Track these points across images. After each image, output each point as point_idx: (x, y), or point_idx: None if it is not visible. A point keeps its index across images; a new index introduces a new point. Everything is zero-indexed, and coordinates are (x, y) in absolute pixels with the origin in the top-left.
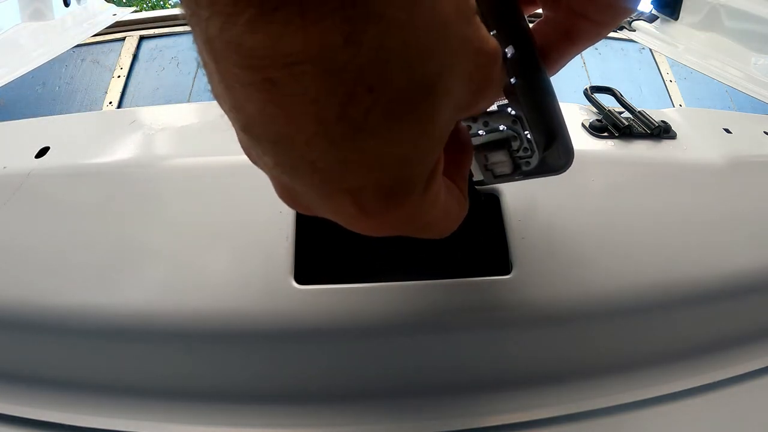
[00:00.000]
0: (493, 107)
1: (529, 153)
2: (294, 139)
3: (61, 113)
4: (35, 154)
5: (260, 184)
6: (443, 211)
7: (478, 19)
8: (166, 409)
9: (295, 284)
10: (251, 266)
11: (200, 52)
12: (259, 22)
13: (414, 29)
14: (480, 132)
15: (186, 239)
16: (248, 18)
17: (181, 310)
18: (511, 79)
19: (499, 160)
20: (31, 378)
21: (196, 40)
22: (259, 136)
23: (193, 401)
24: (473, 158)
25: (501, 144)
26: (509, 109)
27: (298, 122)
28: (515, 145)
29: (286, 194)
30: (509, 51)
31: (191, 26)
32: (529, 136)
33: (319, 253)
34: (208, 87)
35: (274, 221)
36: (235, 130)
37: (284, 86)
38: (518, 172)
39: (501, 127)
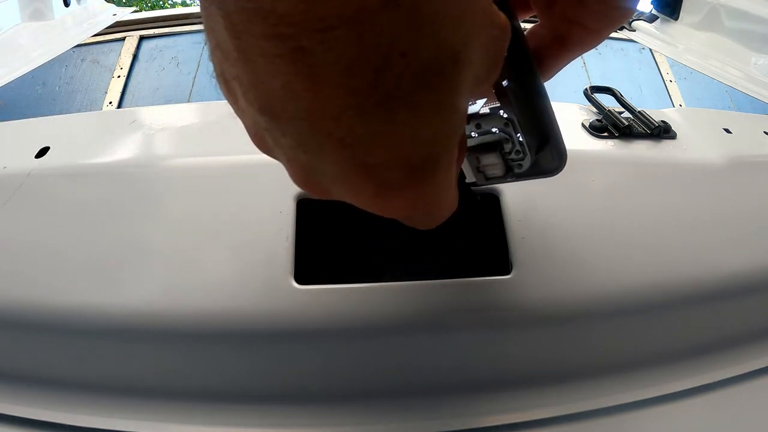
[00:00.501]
0: (486, 109)
1: (521, 156)
2: (322, 114)
3: (61, 113)
4: (35, 154)
5: (260, 184)
6: (451, 198)
7: None
8: (166, 409)
9: (295, 284)
10: (251, 266)
11: (212, 32)
12: None
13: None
14: (472, 134)
15: (186, 239)
16: None
17: (181, 310)
18: (504, 82)
19: (491, 162)
20: (31, 378)
21: (209, 19)
22: (281, 115)
23: (193, 401)
24: (465, 159)
25: (493, 146)
26: (501, 112)
27: (328, 95)
28: (507, 147)
29: (303, 177)
30: None
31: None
32: (521, 138)
33: (319, 253)
34: (213, 78)
35: (274, 221)
36: (248, 116)
37: (315, 55)
38: (510, 174)
39: (493, 130)
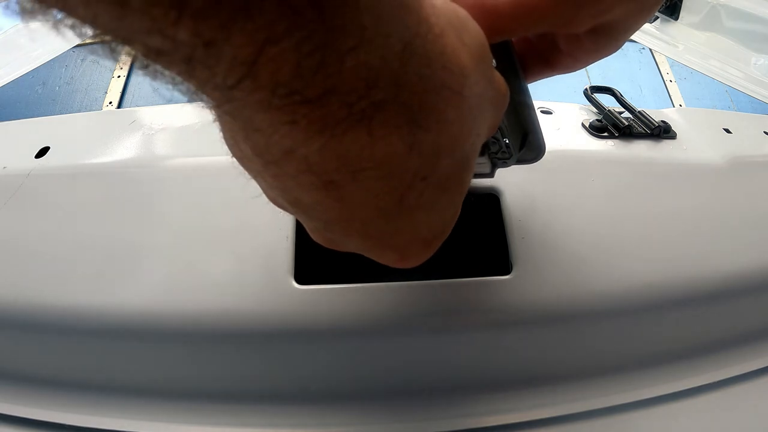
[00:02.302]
0: None
1: (507, 155)
2: (350, 221)
3: (61, 113)
4: (35, 154)
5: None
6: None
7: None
8: (166, 409)
9: (295, 284)
10: (251, 266)
11: (236, 142)
12: (330, 143)
13: (462, 124)
14: None
15: (186, 239)
16: (320, 145)
17: (181, 310)
18: None
19: (479, 161)
20: (31, 378)
21: (225, 128)
22: (308, 212)
23: (193, 401)
24: None
25: (481, 149)
26: None
27: (356, 211)
28: (494, 148)
29: (324, 241)
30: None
31: (231, 123)
32: (507, 141)
33: (319, 253)
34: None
35: (274, 221)
36: (269, 193)
37: (346, 187)
38: (495, 169)
39: None
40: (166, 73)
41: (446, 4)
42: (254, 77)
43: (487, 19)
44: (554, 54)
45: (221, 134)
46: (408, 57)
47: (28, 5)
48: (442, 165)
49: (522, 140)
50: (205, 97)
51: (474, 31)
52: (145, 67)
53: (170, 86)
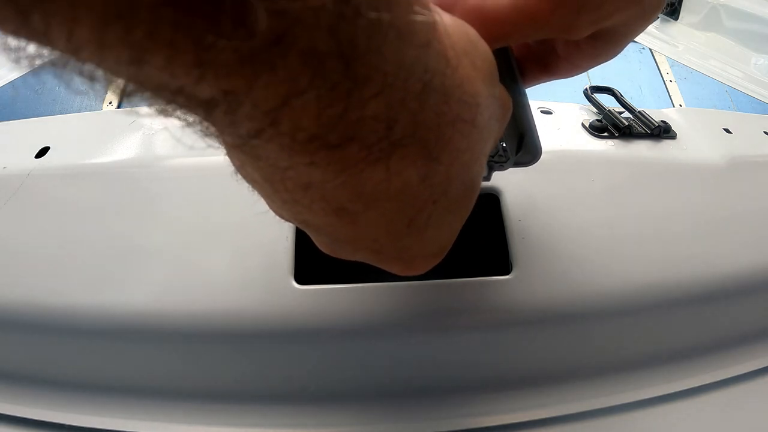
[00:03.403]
0: None
1: (503, 159)
2: (360, 239)
3: (61, 113)
4: (35, 154)
5: None
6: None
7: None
8: (166, 409)
9: (295, 284)
10: (251, 266)
11: (243, 167)
12: (348, 180)
13: (473, 151)
14: None
15: (186, 239)
16: (339, 182)
17: (181, 310)
18: None
19: None
20: (31, 378)
21: (240, 155)
22: (318, 230)
23: (193, 401)
24: None
25: None
26: None
27: (367, 232)
28: (491, 152)
29: (331, 252)
30: None
31: (241, 156)
32: (504, 145)
33: (319, 253)
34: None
35: (274, 221)
36: (274, 209)
37: (360, 214)
38: (491, 173)
39: None
40: (181, 116)
41: (457, 26)
42: (275, 127)
43: (487, 26)
44: (553, 59)
45: (227, 155)
46: (426, 96)
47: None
48: (452, 189)
49: (518, 143)
50: (221, 139)
51: (484, 51)
52: (160, 112)
53: (184, 126)
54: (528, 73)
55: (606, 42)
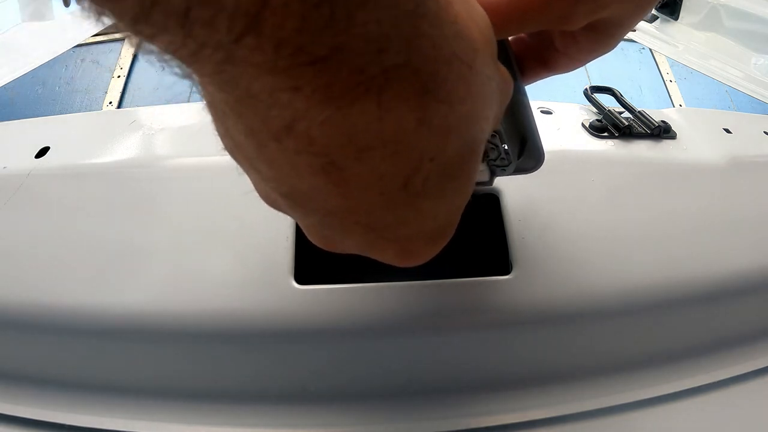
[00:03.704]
0: None
1: (506, 162)
2: (351, 210)
3: (61, 113)
4: (35, 154)
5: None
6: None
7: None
8: (166, 409)
9: (295, 284)
10: (251, 266)
11: (227, 129)
12: (335, 116)
13: (472, 103)
14: None
15: (186, 239)
16: (324, 117)
17: (181, 310)
18: None
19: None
20: (31, 378)
21: (224, 106)
22: (306, 205)
23: (193, 401)
24: None
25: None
26: None
27: (359, 196)
28: (493, 155)
29: (321, 241)
30: None
31: (224, 104)
32: (506, 147)
33: (319, 253)
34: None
35: (274, 221)
36: (260, 187)
37: (350, 169)
38: (494, 177)
39: None
40: (157, 44)
41: None
42: (257, 31)
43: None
44: (551, 54)
45: (213, 125)
46: (420, 19)
47: None
48: (450, 146)
49: (521, 147)
50: (200, 66)
51: (481, 11)
52: (135, 33)
53: (161, 61)
54: (527, 70)
55: (603, 33)
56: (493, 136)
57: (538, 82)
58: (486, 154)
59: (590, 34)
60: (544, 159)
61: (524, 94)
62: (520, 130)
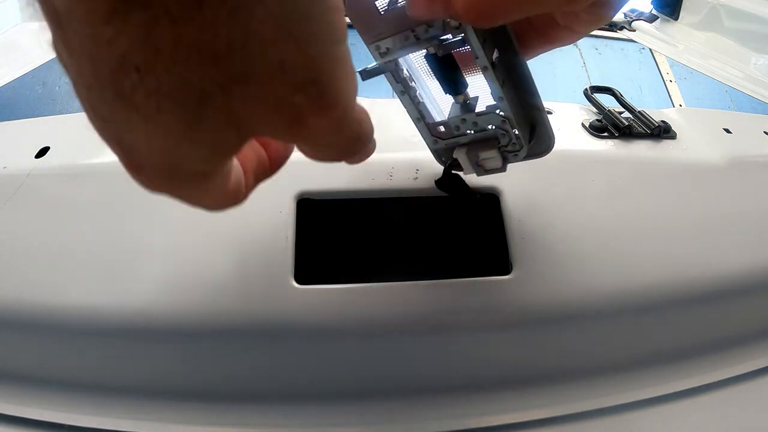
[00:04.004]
0: (482, 108)
1: (517, 147)
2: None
3: (61, 113)
4: (35, 154)
5: (260, 184)
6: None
7: None
8: (166, 409)
9: (295, 284)
10: (251, 266)
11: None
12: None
13: None
14: (469, 132)
15: (186, 239)
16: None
17: (181, 310)
18: (493, 56)
19: (490, 156)
20: (31, 378)
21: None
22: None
23: (193, 401)
24: (464, 155)
25: (491, 142)
26: (498, 111)
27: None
28: (504, 141)
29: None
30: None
31: None
32: (516, 132)
33: (319, 253)
34: None
35: (274, 221)
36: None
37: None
38: (506, 163)
39: (489, 126)
40: None
41: None
42: None
43: (493, 3)
44: (552, 28)
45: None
46: None
47: None
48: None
49: (531, 131)
50: None
51: None
52: None
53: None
54: (529, 44)
55: (603, 6)
56: (503, 121)
57: (537, 82)
58: (497, 141)
59: (592, 8)
60: (554, 142)
61: (526, 67)
62: (530, 119)
